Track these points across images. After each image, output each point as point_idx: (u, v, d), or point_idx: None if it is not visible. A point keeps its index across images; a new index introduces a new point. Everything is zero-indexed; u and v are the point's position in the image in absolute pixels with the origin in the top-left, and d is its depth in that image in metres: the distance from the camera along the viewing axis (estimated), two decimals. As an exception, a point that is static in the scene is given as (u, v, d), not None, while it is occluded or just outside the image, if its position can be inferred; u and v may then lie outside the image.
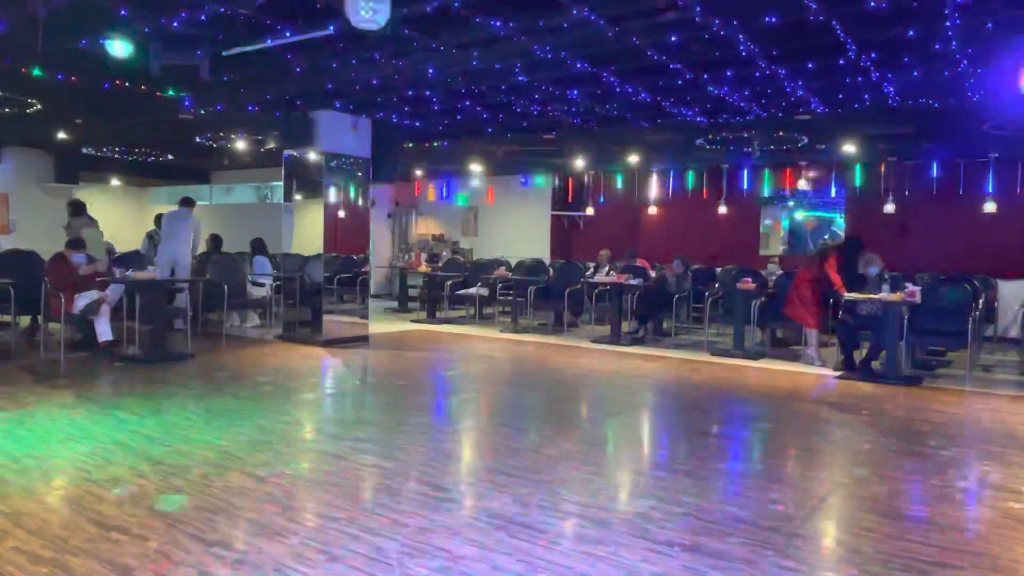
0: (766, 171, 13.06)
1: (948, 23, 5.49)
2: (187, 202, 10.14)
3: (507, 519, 3.46)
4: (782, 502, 3.84)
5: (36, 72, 7.46)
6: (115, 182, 16.56)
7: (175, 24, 5.88)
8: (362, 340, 9.31)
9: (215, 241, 11.13)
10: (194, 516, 3.40)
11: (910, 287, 7.39)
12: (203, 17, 5.73)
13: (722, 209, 13.30)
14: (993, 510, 3.81)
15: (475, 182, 15.76)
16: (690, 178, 13.77)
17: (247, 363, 7.71)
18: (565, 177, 14.99)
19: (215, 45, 6.41)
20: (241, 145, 12.23)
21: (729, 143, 10.79)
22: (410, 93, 8.32)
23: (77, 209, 10.32)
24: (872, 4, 5.17)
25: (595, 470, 4.41)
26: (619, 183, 14.67)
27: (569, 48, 6.43)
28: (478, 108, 9.03)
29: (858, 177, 12.32)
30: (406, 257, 14.32)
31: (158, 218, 11.46)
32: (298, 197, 9.54)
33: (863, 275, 7.91)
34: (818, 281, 8.24)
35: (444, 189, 16.38)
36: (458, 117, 9.65)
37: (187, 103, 8.92)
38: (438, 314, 12.08)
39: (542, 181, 15.00)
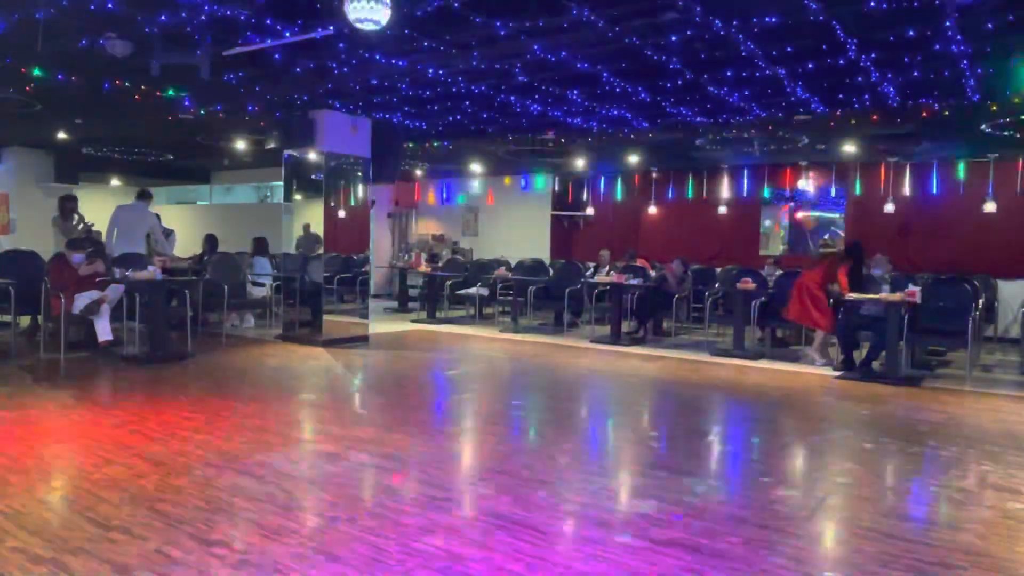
0: (766, 171, 13.06)
1: (948, 23, 5.49)
2: (144, 195, 9.64)
3: (507, 519, 3.46)
4: (782, 502, 3.84)
5: (36, 72, 7.46)
6: (115, 182, 16.55)
7: (175, 24, 5.88)
8: (362, 340, 9.31)
9: (211, 241, 11.12)
10: (194, 516, 3.40)
11: (910, 287, 7.39)
12: (203, 17, 5.73)
13: (722, 209, 13.30)
14: (993, 510, 3.81)
15: (475, 184, 15.76)
16: (690, 178, 13.77)
17: (247, 363, 7.71)
18: (565, 177, 15.00)
19: (215, 45, 6.41)
20: (241, 145, 12.23)
21: (729, 143, 10.79)
22: (410, 93, 8.32)
23: (64, 207, 10.25)
24: (872, 4, 5.17)
25: (595, 470, 4.41)
26: (619, 183, 14.68)
27: (569, 48, 6.43)
28: (478, 108, 9.03)
29: (858, 177, 12.32)
30: (406, 257, 14.33)
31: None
32: (298, 197, 9.54)
33: (869, 276, 7.92)
34: (828, 284, 8.21)
35: (444, 192, 16.38)
36: (458, 117, 9.65)
37: (187, 103, 8.93)
38: (438, 314, 12.07)
39: (542, 185, 15.00)
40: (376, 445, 4.72)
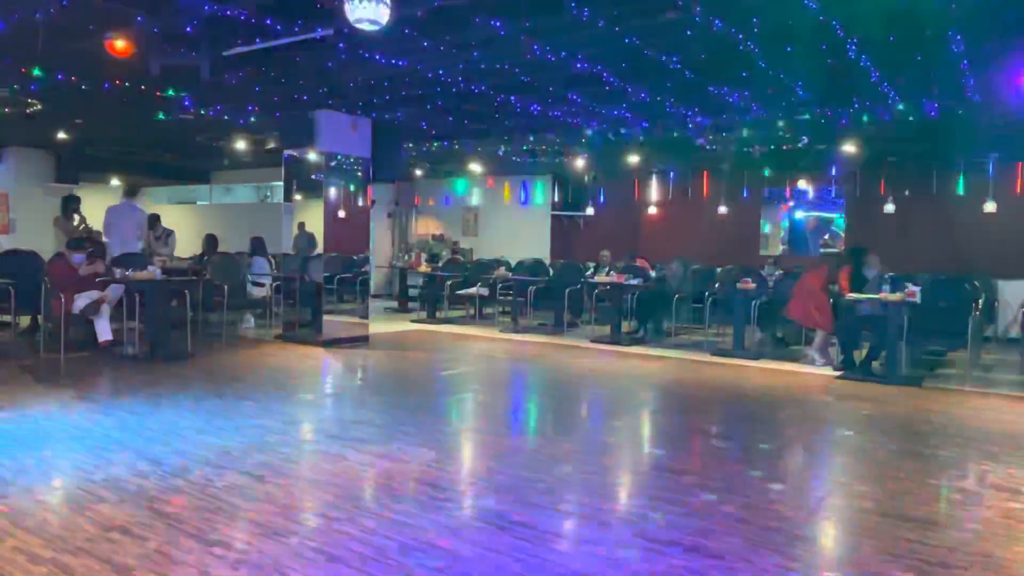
0: (766, 171, 13.05)
1: (948, 23, 5.49)
2: (132, 192, 9.52)
3: (507, 519, 3.46)
4: (782, 502, 3.84)
5: (36, 72, 7.46)
6: (115, 182, 16.56)
7: (175, 24, 5.89)
8: (362, 340, 9.30)
9: (211, 241, 11.11)
10: (194, 516, 3.40)
11: (910, 287, 7.38)
12: (203, 17, 5.73)
13: (722, 209, 13.29)
14: (993, 510, 3.81)
15: (475, 184, 15.76)
16: (690, 178, 13.76)
17: (247, 363, 7.71)
18: (565, 177, 14.99)
19: (215, 45, 6.41)
20: (241, 145, 12.23)
21: (729, 143, 10.79)
22: (410, 93, 8.33)
23: (67, 207, 10.25)
24: (872, 4, 5.17)
25: (595, 470, 4.41)
26: (619, 183, 14.67)
27: (569, 48, 6.43)
28: (478, 108, 9.03)
29: (858, 177, 12.31)
30: (406, 257, 14.32)
31: (153, 218, 11.43)
32: (298, 197, 9.54)
33: (865, 276, 7.93)
34: (829, 285, 8.23)
35: (444, 196, 16.36)
36: (458, 117, 9.65)
37: (187, 103, 8.93)
38: (438, 314, 12.07)
39: (541, 191, 14.99)
40: (376, 445, 4.72)
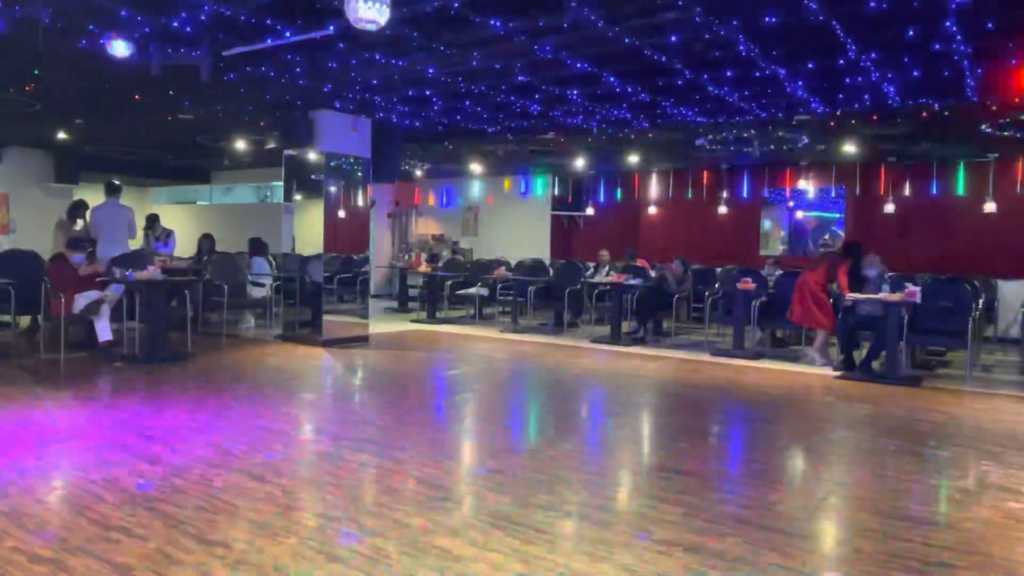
0: (766, 171, 13.06)
1: (948, 23, 5.48)
2: (115, 190, 9.40)
3: (507, 519, 3.46)
4: (782, 502, 3.84)
5: (36, 72, 7.46)
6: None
7: (175, 24, 5.88)
8: (362, 340, 9.31)
9: (208, 240, 11.11)
10: (194, 516, 3.40)
11: (910, 287, 7.39)
12: (203, 17, 5.73)
13: (722, 209, 13.30)
14: (993, 510, 3.81)
15: (475, 185, 15.75)
16: (690, 178, 13.77)
17: (247, 363, 7.71)
18: (565, 177, 15.00)
19: (215, 45, 6.41)
20: (241, 145, 12.23)
21: (729, 143, 10.79)
22: (410, 93, 8.32)
23: (74, 213, 10.26)
24: (872, 4, 5.17)
25: (595, 470, 4.41)
26: (619, 183, 14.68)
27: (569, 48, 6.43)
28: (478, 108, 9.03)
29: (858, 177, 12.32)
30: (406, 257, 14.33)
31: (152, 218, 11.43)
32: (298, 197, 9.54)
33: (864, 276, 7.93)
34: (829, 284, 8.24)
35: (444, 196, 16.36)
36: (458, 117, 9.65)
37: (187, 103, 8.92)
38: (438, 314, 12.08)
39: (542, 191, 14.99)
40: (376, 445, 4.72)
